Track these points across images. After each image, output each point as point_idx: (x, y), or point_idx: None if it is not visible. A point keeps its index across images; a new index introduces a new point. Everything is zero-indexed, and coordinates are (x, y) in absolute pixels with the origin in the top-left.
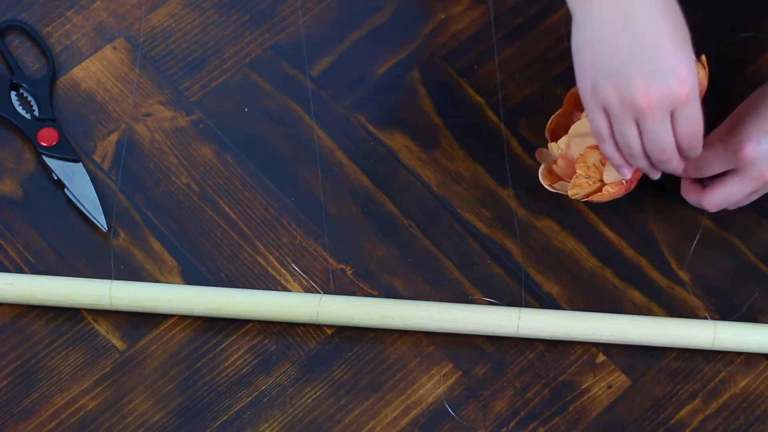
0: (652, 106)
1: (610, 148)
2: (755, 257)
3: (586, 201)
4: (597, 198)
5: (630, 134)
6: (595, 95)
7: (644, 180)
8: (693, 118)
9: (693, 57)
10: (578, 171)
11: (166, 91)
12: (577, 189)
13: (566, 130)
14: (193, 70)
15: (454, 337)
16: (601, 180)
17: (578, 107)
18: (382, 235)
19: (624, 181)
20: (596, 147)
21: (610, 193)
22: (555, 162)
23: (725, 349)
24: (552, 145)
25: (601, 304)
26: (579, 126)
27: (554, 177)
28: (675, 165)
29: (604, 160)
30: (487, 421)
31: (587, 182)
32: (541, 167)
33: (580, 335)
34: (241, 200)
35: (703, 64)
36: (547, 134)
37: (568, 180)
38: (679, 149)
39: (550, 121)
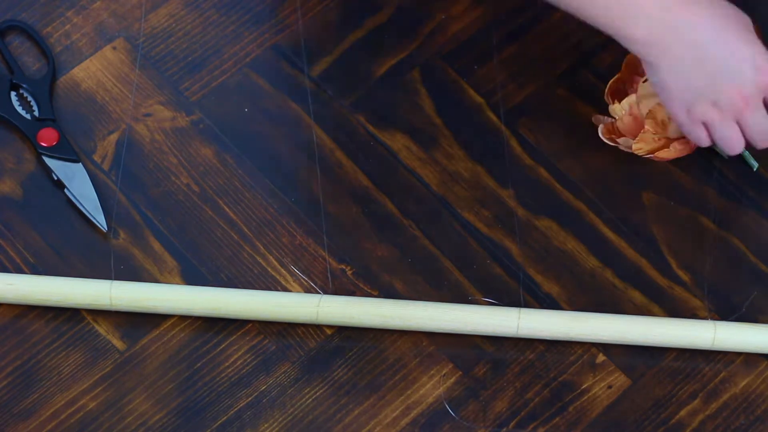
0: (748, 101)
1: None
2: (755, 257)
3: (649, 157)
4: (662, 154)
5: (733, 135)
6: (693, 116)
7: (644, 180)
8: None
9: (760, 44)
10: (647, 126)
11: (166, 91)
12: (642, 144)
13: (625, 93)
14: (193, 70)
15: (454, 337)
16: (667, 137)
17: (636, 72)
18: (382, 235)
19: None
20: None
21: (677, 149)
22: (617, 121)
23: (725, 349)
24: (615, 107)
25: (601, 304)
26: (646, 86)
27: (614, 134)
28: None
29: (670, 117)
30: (487, 421)
31: (654, 138)
32: (600, 126)
33: (580, 335)
34: (241, 200)
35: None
36: (607, 97)
37: (631, 137)
38: None
39: (609, 85)
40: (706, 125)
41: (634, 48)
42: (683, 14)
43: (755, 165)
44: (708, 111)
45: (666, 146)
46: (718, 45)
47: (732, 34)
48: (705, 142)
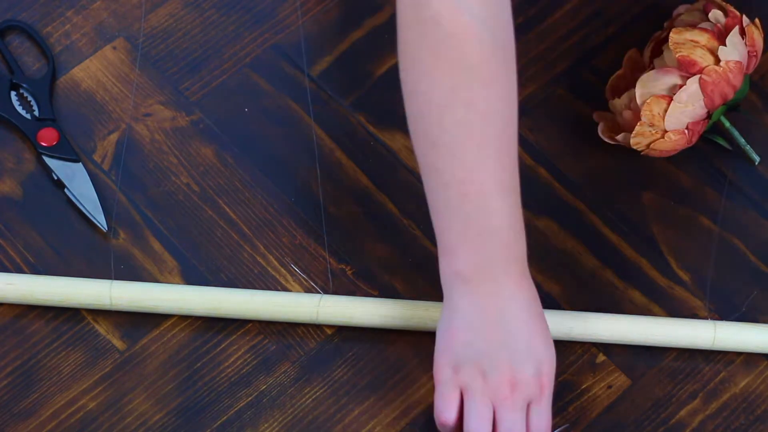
0: (513, 392)
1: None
2: (755, 257)
3: (647, 153)
4: (659, 146)
5: (483, 415)
6: (457, 375)
7: (644, 180)
8: (544, 413)
9: (554, 356)
10: (642, 119)
11: (166, 91)
12: (639, 138)
13: (625, 89)
14: (193, 70)
15: None
16: (664, 129)
17: (637, 68)
18: (382, 235)
19: (685, 131)
20: (662, 97)
21: (672, 140)
22: (617, 116)
23: (725, 349)
24: (615, 101)
25: (601, 304)
26: (645, 80)
27: (613, 132)
28: None
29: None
30: None
31: (650, 131)
32: (600, 123)
33: (580, 335)
34: (241, 200)
35: (756, 26)
36: (607, 93)
37: (631, 132)
38: None
39: (609, 82)
40: (462, 392)
41: (449, 278)
42: (516, 280)
43: (757, 159)
44: (474, 377)
45: (662, 138)
46: (526, 327)
47: (538, 331)
48: (442, 412)
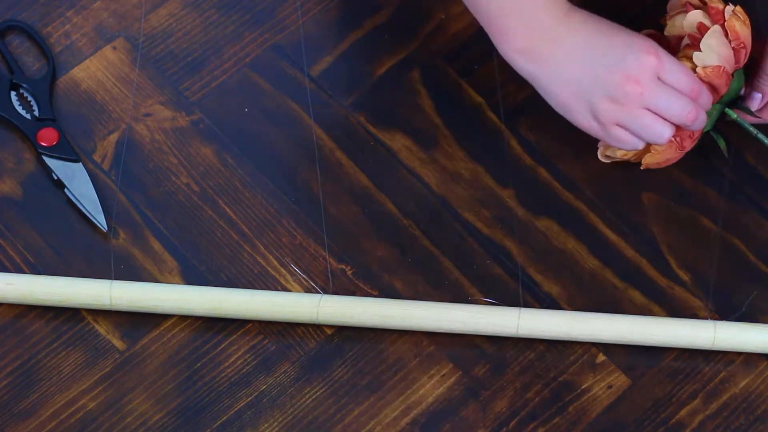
0: (641, 84)
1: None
2: (755, 257)
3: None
4: (649, 159)
5: (650, 122)
6: (601, 119)
7: (644, 180)
8: (677, 71)
9: (642, 39)
10: None
11: (166, 91)
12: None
13: None
14: (193, 70)
15: (454, 337)
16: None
17: None
18: (382, 235)
19: (674, 139)
20: None
21: (659, 151)
22: None
23: (725, 349)
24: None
25: (601, 304)
26: None
27: (607, 153)
28: (695, 115)
29: None
30: (487, 421)
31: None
32: (600, 147)
33: (580, 335)
34: (241, 200)
35: (738, 16)
36: None
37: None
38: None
39: None
40: (620, 125)
41: (513, 56)
42: (564, 23)
43: (723, 144)
44: (609, 108)
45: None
46: (595, 41)
47: (607, 31)
48: (629, 142)
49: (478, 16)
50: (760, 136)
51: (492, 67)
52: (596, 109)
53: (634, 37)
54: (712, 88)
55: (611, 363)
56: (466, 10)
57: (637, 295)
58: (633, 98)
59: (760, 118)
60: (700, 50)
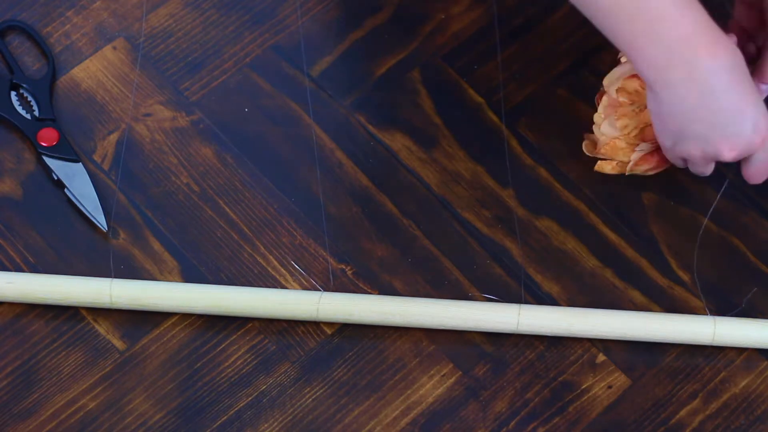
0: (736, 158)
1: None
2: (755, 257)
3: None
4: (637, 169)
5: (706, 172)
6: (676, 150)
7: (644, 180)
8: (765, 160)
9: (762, 103)
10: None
11: (166, 91)
12: (604, 164)
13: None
14: (193, 70)
15: (454, 337)
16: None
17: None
18: (382, 235)
19: (651, 155)
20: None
21: (644, 159)
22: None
23: (725, 344)
24: (595, 115)
25: (601, 304)
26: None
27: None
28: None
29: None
30: (487, 421)
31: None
32: (585, 141)
33: (580, 331)
34: (241, 200)
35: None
36: (596, 102)
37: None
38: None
39: (599, 92)
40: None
41: (643, 70)
42: (705, 55)
43: None
44: (695, 153)
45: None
46: (727, 97)
47: (743, 94)
48: (681, 165)
49: (604, 29)
50: None
51: (492, 67)
52: (682, 145)
53: (759, 109)
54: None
55: (611, 363)
56: (466, 10)
57: (637, 295)
58: (719, 160)
59: None
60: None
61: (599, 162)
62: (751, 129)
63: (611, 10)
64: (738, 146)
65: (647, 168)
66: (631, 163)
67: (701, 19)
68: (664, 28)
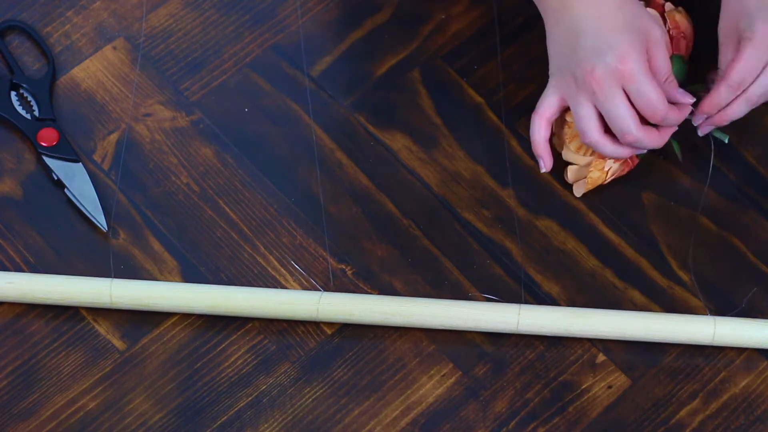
0: (599, 83)
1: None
2: (755, 257)
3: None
4: (596, 182)
5: (586, 113)
6: (558, 84)
7: (644, 180)
8: (645, 92)
9: (637, 41)
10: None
11: (166, 91)
12: (582, 185)
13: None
14: (193, 70)
15: (454, 337)
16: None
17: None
18: (382, 235)
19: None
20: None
21: (594, 178)
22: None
23: (725, 344)
24: (554, 138)
25: (601, 304)
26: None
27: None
28: (638, 137)
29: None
30: (487, 421)
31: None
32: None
33: (580, 331)
34: (241, 200)
35: (679, 11)
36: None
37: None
38: (644, 119)
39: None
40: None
41: (539, 4)
42: None
43: (725, 137)
44: (568, 82)
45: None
46: (592, 24)
47: (609, 21)
48: (589, 122)
49: None
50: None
51: (492, 67)
52: (561, 75)
53: (620, 39)
54: None
55: (611, 363)
56: (466, 10)
57: (637, 295)
58: (587, 90)
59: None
60: None
61: (574, 187)
62: (610, 52)
63: None
64: (597, 68)
65: (620, 171)
66: (609, 177)
67: None
68: None
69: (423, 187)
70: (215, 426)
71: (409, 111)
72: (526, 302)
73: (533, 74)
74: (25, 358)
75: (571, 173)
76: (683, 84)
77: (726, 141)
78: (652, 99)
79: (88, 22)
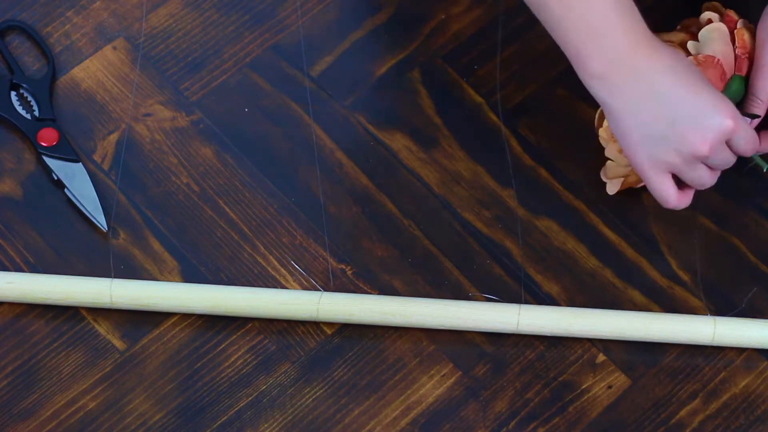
0: (712, 148)
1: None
2: (755, 257)
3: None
4: (631, 180)
5: (702, 175)
6: (656, 165)
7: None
8: (747, 136)
9: (715, 89)
10: (600, 140)
11: (166, 91)
12: (609, 170)
13: None
14: (193, 70)
15: (454, 337)
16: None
17: None
18: (382, 235)
19: None
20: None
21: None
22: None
23: (725, 344)
24: (600, 131)
25: (601, 304)
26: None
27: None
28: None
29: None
30: (487, 421)
31: (614, 164)
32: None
33: (580, 331)
34: (241, 200)
35: (749, 28)
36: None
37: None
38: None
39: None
40: (672, 175)
41: (588, 81)
42: (644, 58)
43: (765, 166)
44: (673, 158)
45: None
46: (676, 92)
47: (695, 82)
48: (671, 196)
49: (554, 36)
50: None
51: (492, 67)
52: (657, 154)
53: (717, 97)
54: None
55: (611, 363)
56: (466, 10)
57: (637, 295)
58: (699, 156)
59: None
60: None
61: (608, 184)
62: (713, 113)
63: (561, 20)
64: (708, 134)
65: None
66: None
67: (641, 29)
68: (607, 39)
69: (423, 187)
70: (215, 426)
71: (409, 111)
72: (526, 302)
73: (533, 74)
74: (25, 358)
75: (609, 170)
76: (739, 106)
77: (765, 170)
78: (753, 138)
79: (88, 22)
